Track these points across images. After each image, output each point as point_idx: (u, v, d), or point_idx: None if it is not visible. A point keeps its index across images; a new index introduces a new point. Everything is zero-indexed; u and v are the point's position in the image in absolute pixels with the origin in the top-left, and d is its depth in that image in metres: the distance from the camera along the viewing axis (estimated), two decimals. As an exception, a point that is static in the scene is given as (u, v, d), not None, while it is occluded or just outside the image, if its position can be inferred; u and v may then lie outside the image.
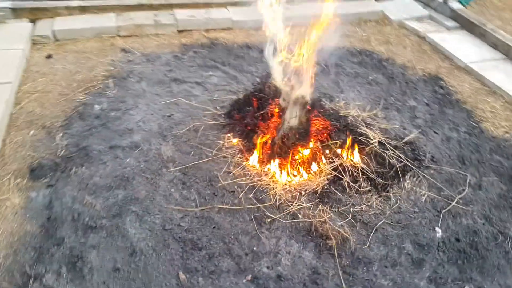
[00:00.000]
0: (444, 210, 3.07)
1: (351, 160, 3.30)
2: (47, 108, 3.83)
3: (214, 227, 2.82)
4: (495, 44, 5.17)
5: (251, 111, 3.66)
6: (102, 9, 5.45)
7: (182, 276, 2.51)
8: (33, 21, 5.20)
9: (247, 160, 3.35)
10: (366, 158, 3.36)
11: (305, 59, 3.27)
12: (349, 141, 3.35)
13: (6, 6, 5.11)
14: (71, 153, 3.32)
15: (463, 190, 3.25)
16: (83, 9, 5.40)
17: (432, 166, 3.45)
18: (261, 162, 3.31)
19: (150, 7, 5.59)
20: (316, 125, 3.43)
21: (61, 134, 3.51)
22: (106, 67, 4.53)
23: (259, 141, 3.26)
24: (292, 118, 3.33)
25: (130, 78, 4.37)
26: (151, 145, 3.44)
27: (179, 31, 5.42)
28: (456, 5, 5.86)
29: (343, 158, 3.29)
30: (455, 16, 5.79)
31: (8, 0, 5.22)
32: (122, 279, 2.47)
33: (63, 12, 5.33)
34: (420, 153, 3.54)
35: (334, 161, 3.28)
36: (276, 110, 3.51)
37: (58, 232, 2.70)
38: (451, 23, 5.73)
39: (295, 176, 3.21)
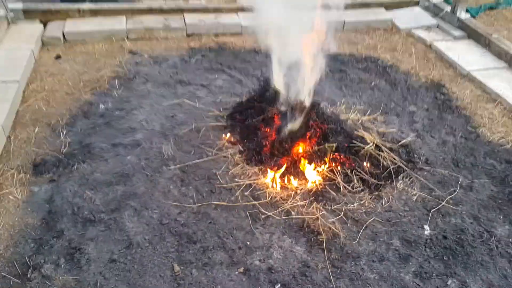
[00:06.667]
0: (433, 209, 3.11)
1: (345, 162, 3.37)
2: (53, 106, 3.97)
3: (210, 222, 2.90)
4: (499, 53, 5.19)
5: (252, 114, 3.75)
6: (113, 13, 5.61)
7: (176, 267, 2.59)
8: (44, 23, 5.38)
9: (246, 160, 3.42)
10: (361, 159, 3.41)
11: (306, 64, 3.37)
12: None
13: (17, 7, 5.29)
14: (74, 150, 3.44)
15: (454, 191, 3.29)
16: (94, 12, 5.57)
17: (426, 168, 3.50)
18: (260, 162, 3.38)
19: (161, 11, 5.74)
20: (313, 128, 3.49)
21: (65, 132, 3.63)
22: (114, 68, 4.67)
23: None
24: (291, 121, 3.42)
25: (136, 79, 4.50)
26: (152, 144, 3.54)
27: (188, 35, 5.55)
28: (464, 15, 5.89)
29: (336, 160, 3.36)
30: (462, 26, 5.83)
31: (20, 2, 5.42)
32: (118, 270, 2.56)
33: (75, 15, 5.51)
34: (415, 155, 3.59)
35: (329, 163, 3.34)
36: (276, 113, 3.59)
37: (58, 225, 2.80)
38: (458, 33, 5.77)
39: (291, 176, 3.28)
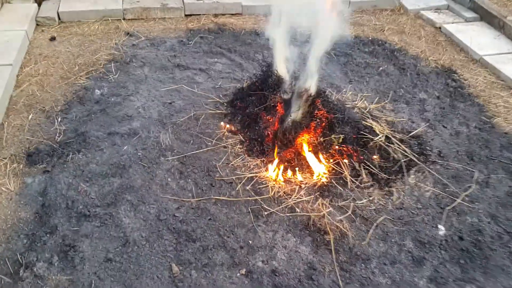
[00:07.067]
0: (448, 207, 2.96)
1: (352, 154, 3.20)
2: (47, 91, 3.78)
3: (210, 219, 2.76)
4: (514, 37, 4.96)
5: (253, 101, 3.56)
6: (109, -9, 5.35)
7: (175, 268, 2.46)
8: (38, 2, 5.14)
9: (247, 151, 3.26)
10: (369, 152, 3.24)
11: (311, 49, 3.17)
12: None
13: (11, -14, 5.05)
14: (69, 139, 3.27)
15: (470, 187, 3.13)
16: (90, -9, 5.31)
17: (439, 161, 3.33)
18: (262, 154, 3.22)
19: (159, -11, 5.48)
20: (319, 117, 3.31)
21: (60, 119, 3.46)
22: (110, 50, 4.46)
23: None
24: (295, 110, 3.24)
25: (133, 63, 4.30)
26: (150, 133, 3.38)
27: (186, 15, 5.31)
28: (477, -5, 5.60)
29: (343, 152, 3.19)
30: (474, 7, 5.54)
31: (14, -20, 5.17)
32: (113, 270, 2.43)
33: (69, -7, 5.25)
34: (427, 147, 3.42)
35: (336, 155, 3.18)
36: (279, 101, 3.40)
37: (51, 219, 2.66)
38: (469, 14, 5.49)
39: (295, 169, 3.12)
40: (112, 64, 4.22)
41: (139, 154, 3.17)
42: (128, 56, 4.39)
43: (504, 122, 3.79)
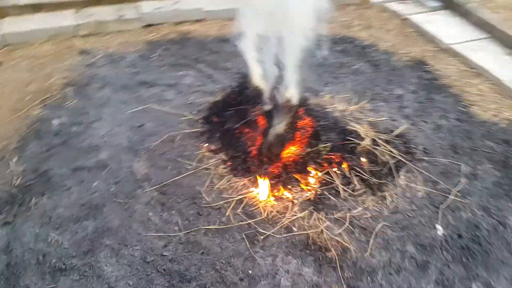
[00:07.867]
0: (442, 205, 2.88)
1: (341, 162, 3.05)
2: (-3, 128, 3.39)
3: (203, 253, 2.51)
4: (479, 23, 4.96)
5: (231, 115, 3.34)
6: (58, 6, 4.97)
7: (171, 316, 2.21)
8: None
9: (232, 171, 3.04)
10: (357, 157, 3.10)
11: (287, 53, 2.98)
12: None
13: None
14: (29, 181, 2.91)
15: (459, 181, 3.06)
16: (36, 7, 4.90)
17: (425, 158, 3.24)
18: (248, 172, 3.00)
19: (112, 1, 5.13)
20: (303, 127, 3.13)
21: (15, 159, 3.08)
22: (64, 73, 4.10)
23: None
24: (277, 122, 3.04)
25: (92, 84, 3.96)
26: (121, 163, 3.08)
27: (146, 26, 5.01)
28: (439, -16, 5.63)
29: (332, 161, 3.03)
30: (438, -4, 5.57)
31: None
32: (101, 330, 2.15)
33: (12, 12, 4.82)
34: (412, 145, 3.33)
35: (324, 165, 3.01)
36: (259, 113, 3.19)
37: (21, 280, 2.32)
38: (434, 3, 5.51)
39: (284, 185, 2.93)
40: (69, 88, 3.87)
41: (112, 189, 2.87)
42: (85, 77, 4.05)
43: (480, 111, 3.77)
